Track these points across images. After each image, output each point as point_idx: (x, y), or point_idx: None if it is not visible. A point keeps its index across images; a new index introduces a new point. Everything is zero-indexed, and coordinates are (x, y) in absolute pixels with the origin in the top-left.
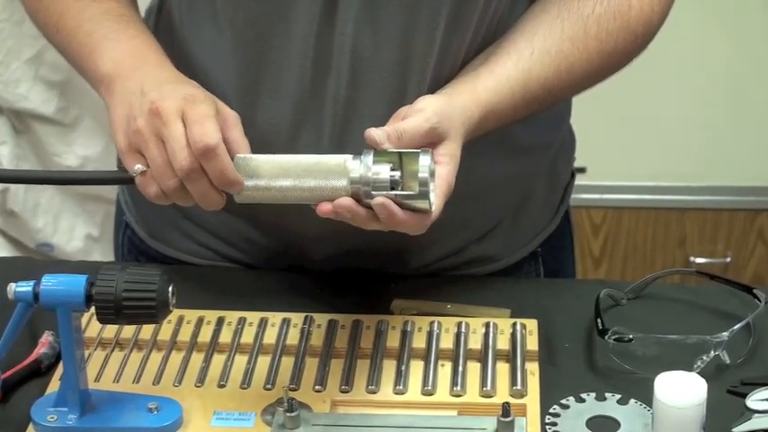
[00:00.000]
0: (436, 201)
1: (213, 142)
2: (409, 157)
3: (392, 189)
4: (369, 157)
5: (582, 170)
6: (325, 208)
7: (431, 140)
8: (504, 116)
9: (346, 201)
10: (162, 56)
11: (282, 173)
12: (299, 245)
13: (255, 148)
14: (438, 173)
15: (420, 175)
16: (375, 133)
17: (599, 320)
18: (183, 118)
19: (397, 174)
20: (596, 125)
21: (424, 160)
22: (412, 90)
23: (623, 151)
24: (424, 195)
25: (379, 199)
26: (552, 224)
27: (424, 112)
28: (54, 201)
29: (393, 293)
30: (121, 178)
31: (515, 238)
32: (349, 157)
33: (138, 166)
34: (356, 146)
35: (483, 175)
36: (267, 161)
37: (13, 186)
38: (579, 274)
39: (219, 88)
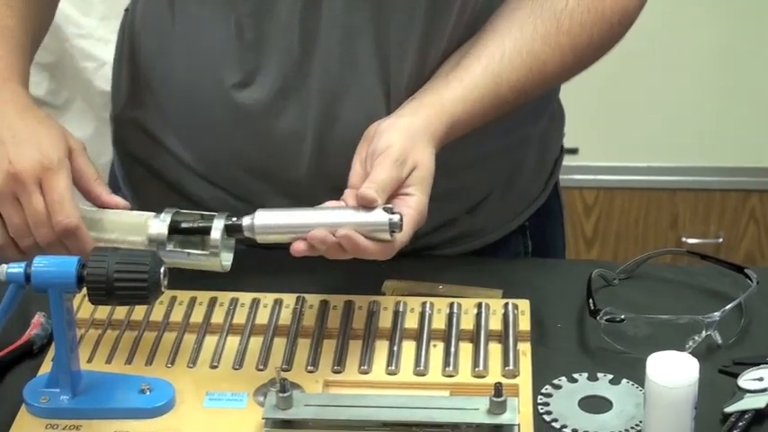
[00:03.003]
0: (405, 228)
1: (73, 224)
2: (207, 219)
3: (392, 232)
4: (168, 216)
5: (574, 151)
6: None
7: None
8: (473, 122)
9: None
10: (19, 86)
11: (89, 225)
12: None
13: (243, 124)
14: (408, 203)
15: (212, 236)
16: (368, 194)
17: (591, 301)
18: (42, 187)
19: (396, 217)
20: (588, 106)
21: (218, 224)
22: (401, 70)
23: (615, 132)
24: (215, 255)
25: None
26: (541, 198)
27: (390, 152)
28: None
29: (385, 274)
30: None
31: (504, 210)
32: (151, 215)
33: None
34: (346, 121)
35: (472, 147)
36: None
37: None
38: (571, 254)
39: (210, 60)
